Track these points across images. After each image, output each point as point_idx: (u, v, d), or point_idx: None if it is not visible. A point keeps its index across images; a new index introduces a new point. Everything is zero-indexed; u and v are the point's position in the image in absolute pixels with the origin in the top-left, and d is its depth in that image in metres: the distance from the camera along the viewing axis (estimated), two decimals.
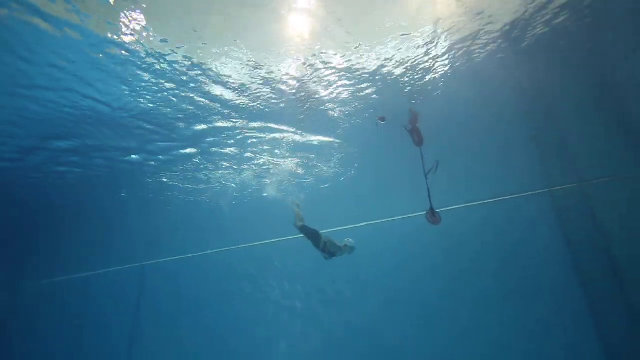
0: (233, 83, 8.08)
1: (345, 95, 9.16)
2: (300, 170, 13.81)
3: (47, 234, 16.58)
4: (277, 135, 10.92)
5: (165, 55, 6.80)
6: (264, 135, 10.84)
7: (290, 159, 12.83)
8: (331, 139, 11.52)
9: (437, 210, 6.31)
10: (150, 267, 20.09)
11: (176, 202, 15.55)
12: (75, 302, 20.34)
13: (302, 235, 7.68)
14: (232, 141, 10.97)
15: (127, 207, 15.15)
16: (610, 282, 10.24)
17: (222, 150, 11.47)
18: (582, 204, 11.35)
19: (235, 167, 12.87)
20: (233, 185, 14.48)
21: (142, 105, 8.37)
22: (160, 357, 18.08)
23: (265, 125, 10.19)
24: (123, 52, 6.58)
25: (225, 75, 7.75)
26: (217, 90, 8.27)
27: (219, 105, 8.96)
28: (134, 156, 11.02)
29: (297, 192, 15.53)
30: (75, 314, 19.98)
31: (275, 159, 12.61)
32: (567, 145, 11.49)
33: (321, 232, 7.62)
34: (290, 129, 10.70)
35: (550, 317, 12.42)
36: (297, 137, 11.21)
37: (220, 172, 13.16)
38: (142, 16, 5.84)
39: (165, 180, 13.34)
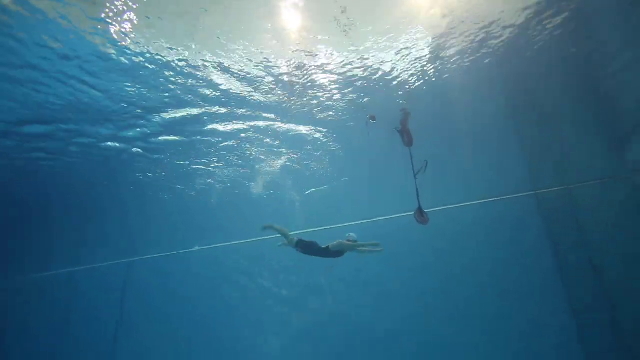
0: (227, 73, 8.01)
1: (338, 96, 9.18)
2: (296, 166, 13.71)
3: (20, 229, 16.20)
4: (271, 128, 10.82)
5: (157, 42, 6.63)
6: (257, 127, 10.73)
7: (283, 155, 12.74)
8: (322, 133, 11.47)
9: (425, 210, 6.38)
10: (138, 262, 19.84)
11: (163, 198, 15.36)
12: (62, 297, 20.00)
13: (301, 250, 6.96)
14: (222, 129, 10.74)
15: (104, 201, 14.89)
16: (597, 282, 10.48)
17: (211, 141, 11.28)
18: (568, 206, 11.58)
19: (224, 159, 12.69)
20: (223, 180, 14.32)
21: (129, 89, 8.03)
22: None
23: (259, 115, 10.06)
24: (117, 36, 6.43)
25: (218, 64, 7.68)
26: (211, 78, 8.14)
27: (209, 94, 8.84)
28: (112, 144, 10.49)
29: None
30: (63, 308, 19.68)
31: (267, 153, 12.50)
32: (554, 149, 11.71)
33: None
34: (285, 123, 10.62)
35: (538, 318, 12.67)
36: (291, 130, 11.13)
37: (209, 165, 12.97)
38: None
39: (150, 175, 13.08)
